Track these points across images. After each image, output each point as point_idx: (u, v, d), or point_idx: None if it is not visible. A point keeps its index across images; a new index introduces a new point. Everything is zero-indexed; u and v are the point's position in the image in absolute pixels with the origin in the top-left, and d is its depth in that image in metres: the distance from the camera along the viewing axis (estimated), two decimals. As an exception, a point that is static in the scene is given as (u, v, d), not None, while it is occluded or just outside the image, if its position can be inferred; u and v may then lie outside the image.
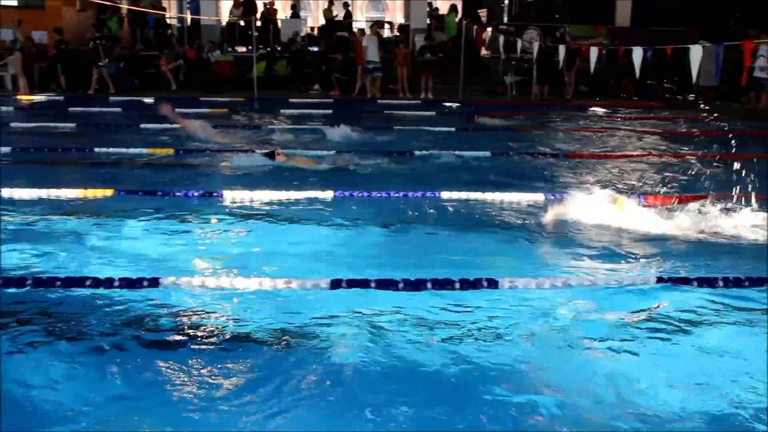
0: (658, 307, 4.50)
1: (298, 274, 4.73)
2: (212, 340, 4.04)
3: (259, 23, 20.97)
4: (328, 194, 7.08)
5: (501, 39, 17.65)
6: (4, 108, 14.70)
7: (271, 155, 8.69)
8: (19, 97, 16.51)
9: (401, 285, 4.61)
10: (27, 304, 4.43)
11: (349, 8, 24.41)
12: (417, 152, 9.82)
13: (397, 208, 6.79)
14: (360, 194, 7.11)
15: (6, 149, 9.61)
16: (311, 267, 5.08)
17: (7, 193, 6.98)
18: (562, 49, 15.37)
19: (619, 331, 4.17)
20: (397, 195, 7.11)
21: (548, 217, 6.28)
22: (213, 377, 3.63)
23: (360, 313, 4.34)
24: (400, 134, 11.96)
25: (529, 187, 7.63)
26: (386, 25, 26.63)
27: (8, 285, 4.60)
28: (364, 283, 4.61)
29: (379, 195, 7.10)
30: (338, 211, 6.57)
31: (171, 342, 4.03)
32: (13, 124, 12.36)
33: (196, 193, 7.10)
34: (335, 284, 4.57)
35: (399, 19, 38.25)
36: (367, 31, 18.94)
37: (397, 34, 22.12)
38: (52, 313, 4.32)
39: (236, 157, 9.06)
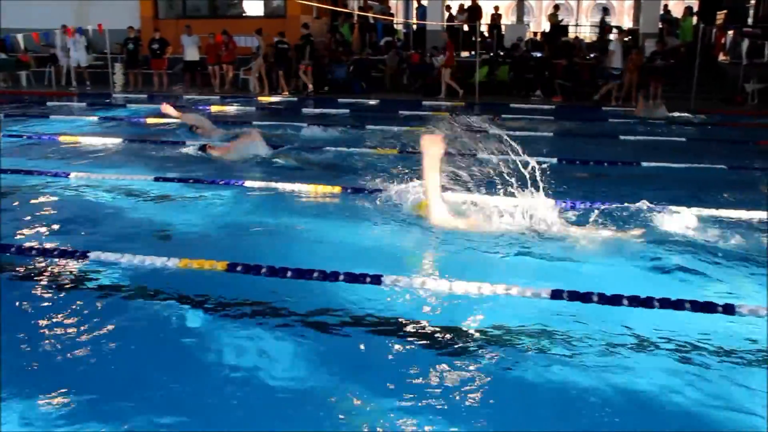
0: None
1: (517, 282, 4.68)
2: (425, 341, 4.10)
3: (483, 28, 21.10)
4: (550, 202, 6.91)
5: (745, 43, 16.23)
6: (248, 108, 16.09)
7: (203, 149, 9.54)
8: (260, 98, 17.97)
9: (626, 301, 4.40)
10: (260, 291, 4.76)
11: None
12: (644, 163, 9.33)
13: (621, 219, 6.45)
14: (584, 205, 6.88)
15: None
16: (529, 277, 5.00)
17: (250, 183, 7.63)
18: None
19: None
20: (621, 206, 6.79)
21: None
22: (426, 378, 3.69)
23: (580, 327, 4.21)
24: (624, 144, 11.44)
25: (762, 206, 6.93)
26: (614, 30, 25.59)
27: (247, 271, 4.99)
28: (586, 297, 4.44)
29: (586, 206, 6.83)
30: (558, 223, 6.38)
31: (385, 337, 4.16)
32: (254, 123, 13.45)
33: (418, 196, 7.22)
34: (556, 294, 4.46)
35: (627, 23, 36.69)
36: (614, 37, 18.23)
37: (626, 39, 21.15)
38: (282, 303, 4.60)
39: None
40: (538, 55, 20.06)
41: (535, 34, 26.84)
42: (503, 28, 22.65)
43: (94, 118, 13.83)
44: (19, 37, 18.03)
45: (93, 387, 3.55)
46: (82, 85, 20.44)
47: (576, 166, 9.37)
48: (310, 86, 18.95)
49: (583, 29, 34.91)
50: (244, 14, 22.62)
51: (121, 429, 3.20)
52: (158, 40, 19.72)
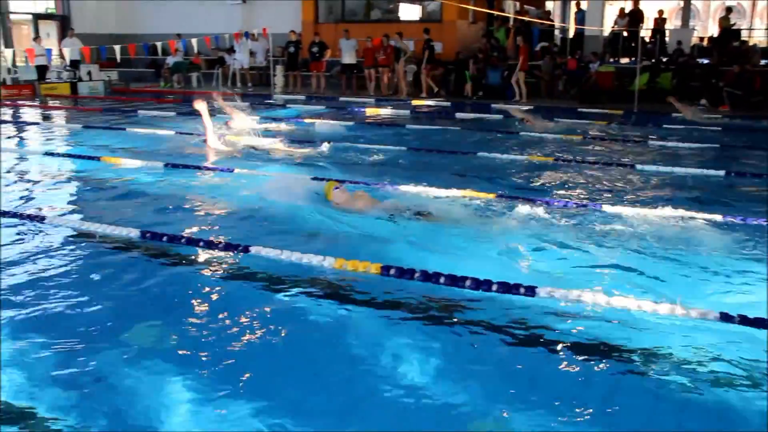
0: None
1: (685, 300, 4.43)
2: (575, 356, 4.00)
3: (644, 33, 20.20)
4: (717, 217, 6.51)
5: None
6: (401, 111, 16.30)
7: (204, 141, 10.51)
8: (413, 101, 18.15)
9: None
10: (396, 292, 4.82)
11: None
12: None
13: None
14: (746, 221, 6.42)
15: (402, 148, 10.67)
16: (696, 294, 4.73)
17: (404, 187, 7.71)
18: None
19: None
20: None
21: None
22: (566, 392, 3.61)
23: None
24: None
25: None
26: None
27: (401, 275, 4.98)
28: (758, 322, 4.11)
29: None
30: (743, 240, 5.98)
31: (536, 350, 4.09)
32: (408, 126, 13.65)
33: (574, 204, 7.03)
34: (725, 318, 4.17)
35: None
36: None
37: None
38: (430, 308, 4.63)
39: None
40: (705, 61, 18.93)
41: (702, 39, 25.34)
42: (667, 33, 21.55)
43: (256, 118, 14.50)
44: (194, 40, 19.25)
45: (244, 379, 3.70)
46: (245, 86, 21.55)
47: (745, 179, 8.80)
48: (435, 89, 19.40)
49: (757, 33, 32.50)
50: (400, 18, 22.95)
51: (271, 421, 3.31)
52: (317, 43, 20.43)
